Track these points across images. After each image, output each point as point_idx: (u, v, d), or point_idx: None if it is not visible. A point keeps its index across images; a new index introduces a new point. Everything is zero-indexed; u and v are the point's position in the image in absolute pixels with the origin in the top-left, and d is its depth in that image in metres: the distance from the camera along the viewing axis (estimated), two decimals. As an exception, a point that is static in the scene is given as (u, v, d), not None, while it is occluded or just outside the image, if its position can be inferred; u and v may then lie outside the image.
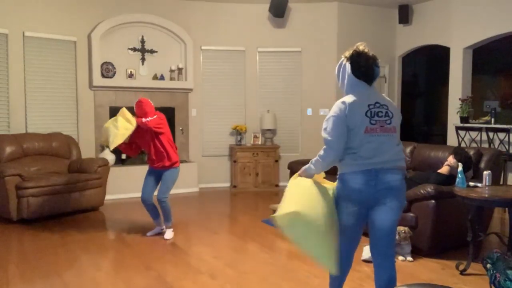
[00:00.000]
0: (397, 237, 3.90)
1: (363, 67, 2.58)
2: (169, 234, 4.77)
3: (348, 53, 2.64)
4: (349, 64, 2.61)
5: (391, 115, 2.56)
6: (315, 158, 2.65)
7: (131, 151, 4.83)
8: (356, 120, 2.50)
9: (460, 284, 3.48)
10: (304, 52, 7.89)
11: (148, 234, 4.84)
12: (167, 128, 4.73)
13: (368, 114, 2.51)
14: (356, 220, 2.60)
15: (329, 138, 2.53)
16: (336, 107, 2.54)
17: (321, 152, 2.60)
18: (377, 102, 2.56)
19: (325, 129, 2.55)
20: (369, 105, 2.53)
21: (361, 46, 2.62)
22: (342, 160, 2.58)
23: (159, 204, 4.72)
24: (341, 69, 2.67)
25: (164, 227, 4.86)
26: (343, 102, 2.54)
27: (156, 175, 4.76)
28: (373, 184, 2.50)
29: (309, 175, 2.70)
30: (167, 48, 7.49)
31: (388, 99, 2.70)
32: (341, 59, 2.68)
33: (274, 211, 5.33)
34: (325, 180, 2.82)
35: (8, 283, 3.52)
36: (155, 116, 4.60)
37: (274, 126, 7.82)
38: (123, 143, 4.64)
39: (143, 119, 4.55)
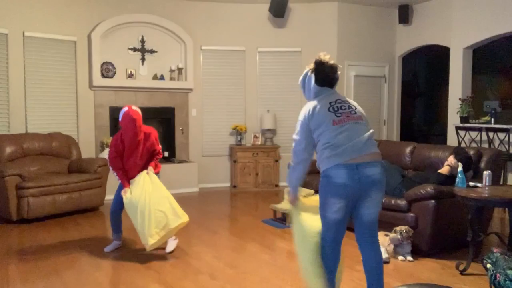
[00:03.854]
0: (399, 237, 3.93)
1: (329, 74, 2.81)
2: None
3: (312, 65, 2.85)
4: (313, 75, 2.82)
5: (354, 107, 2.80)
6: (288, 174, 2.90)
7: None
8: (320, 119, 2.71)
9: (460, 284, 3.48)
10: (304, 52, 7.88)
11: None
12: None
13: (331, 109, 2.74)
14: (344, 214, 2.71)
15: (297, 137, 2.78)
16: (302, 112, 2.79)
17: (293, 157, 2.81)
18: (338, 99, 2.81)
19: (296, 132, 2.81)
20: (330, 103, 2.77)
21: (323, 56, 2.84)
22: (322, 157, 2.70)
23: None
24: (306, 80, 2.89)
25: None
26: (307, 108, 2.78)
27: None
28: (357, 179, 2.62)
29: (294, 195, 2.91)
30: (167, 48, 7.49)
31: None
32: (305, 71, 2.90)
33: (274, 211, 5.37)
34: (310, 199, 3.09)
35: (8, 283, 3.52)
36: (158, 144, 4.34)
37: (274, 126, 7.82)
38: None
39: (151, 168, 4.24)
